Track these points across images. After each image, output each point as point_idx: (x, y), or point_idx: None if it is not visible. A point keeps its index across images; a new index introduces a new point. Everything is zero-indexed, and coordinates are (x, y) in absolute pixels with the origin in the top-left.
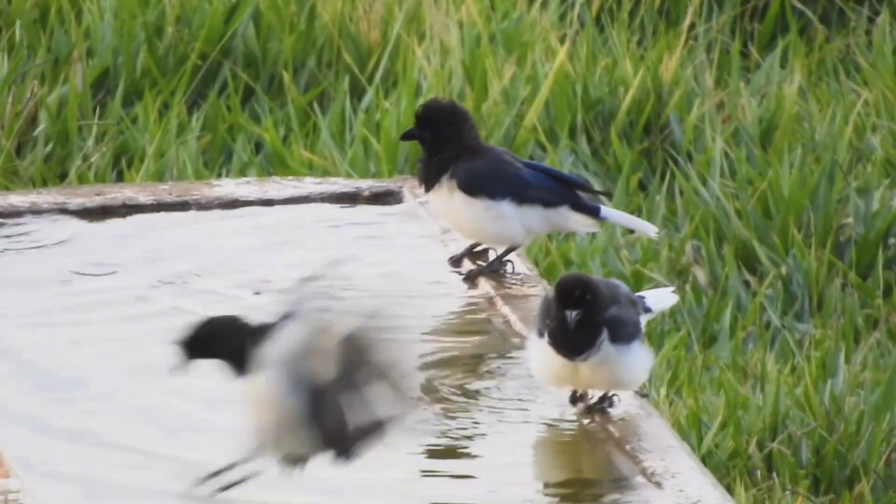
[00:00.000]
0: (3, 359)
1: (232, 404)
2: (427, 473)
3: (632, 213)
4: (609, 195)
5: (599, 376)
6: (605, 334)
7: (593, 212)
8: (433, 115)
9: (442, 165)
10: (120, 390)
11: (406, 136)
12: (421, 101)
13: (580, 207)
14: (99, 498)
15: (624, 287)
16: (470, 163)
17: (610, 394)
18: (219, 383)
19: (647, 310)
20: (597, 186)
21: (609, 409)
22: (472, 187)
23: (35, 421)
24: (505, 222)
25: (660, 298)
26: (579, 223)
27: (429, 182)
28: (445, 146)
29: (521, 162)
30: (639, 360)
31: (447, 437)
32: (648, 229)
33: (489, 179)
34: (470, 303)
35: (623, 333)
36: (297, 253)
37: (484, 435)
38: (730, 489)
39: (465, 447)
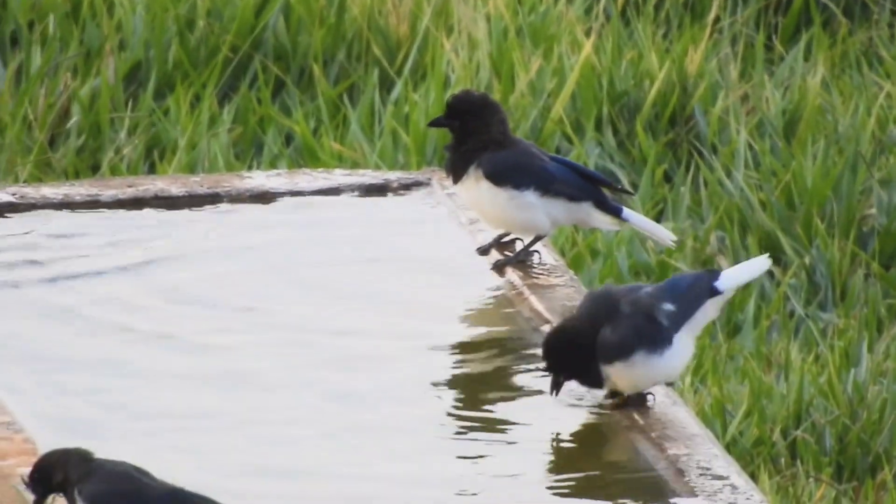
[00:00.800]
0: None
1: None
2: (455, 456)
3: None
4: (632, 193)
5: (619, 385)
6: (601, 365)
7: (615, 212)
8: (463, 105)
9: (469, 156)
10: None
11: (433, 124)
12: (449, 93)
13: (603, 206)
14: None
15: (642, 292)
16: (496, 154)
17: (636, 393)
18: None
19: (715, 292)
20: (622, 184)
21: (646, 403)
22: (498, 177)
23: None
24: (530, 212)
25: (743, 271)
26: (601, 221)
27: (457, 173)
28: (472, 137)
29: (547, 156)
30: (642, 369)
31: (472, 421)
32: (666, 238)
33: (515, 170)
34: (498, 292)
35: (612, 353)
36: (327, 244)
37: (508, 421)
38: (754, 476)
39: (491, 432)
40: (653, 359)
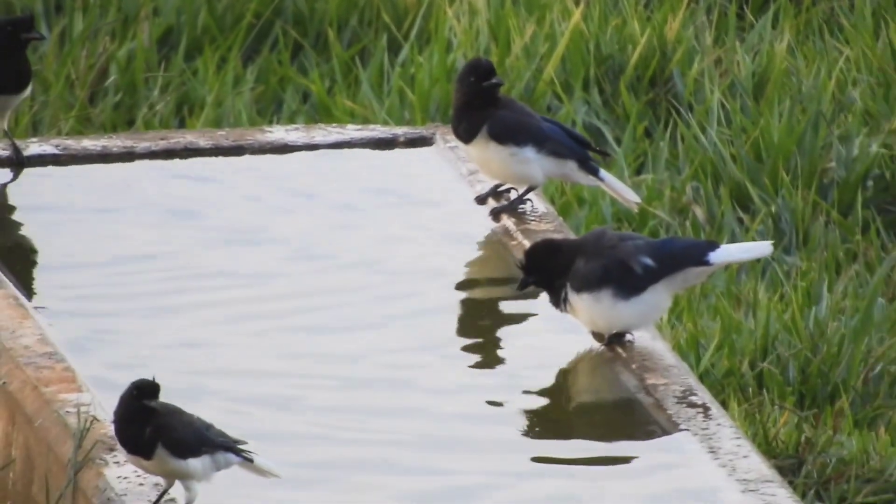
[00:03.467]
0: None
1: None
2: (450, 386)
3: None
4: (608, 155)
5: (577, 316)
6: (566, 288)
7: (594, 172)
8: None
9: (477, 120)
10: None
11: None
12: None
13: (584, 165)
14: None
15: (630, 242)
16: (499, 115)
17: (615, 333)
18: None
19: (703, 262)
20: (603, 145)
21: (625, 343)
22: (502, 136)
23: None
24: (527, 166)
25: (741, 250)
26: (582, 178)
27: (468, 135)
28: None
29: (538, 117)
30: (606, 308)
31: (467, 347)
32: (632, 199)
33: (516, 129)
34: (494, 236)
35: (579, 282)
36: (341, 192)
37: (500, 347)
38: (724, 404)
39: (483, 356)
40: (618, 301)
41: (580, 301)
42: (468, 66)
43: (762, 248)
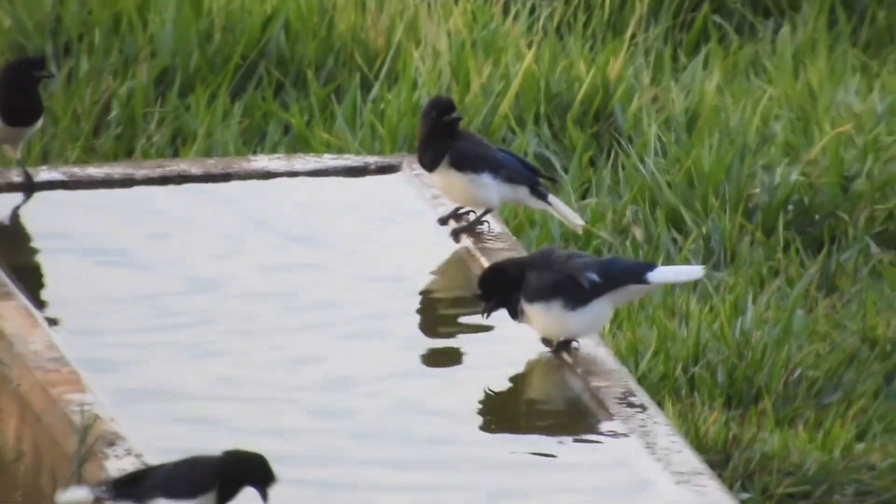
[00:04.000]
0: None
1: None
2: (417, 388)
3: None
4: (556, 182)
5: (532, 324)
6: (521, 300)
7: (543, 197)
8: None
9: (440, 150)
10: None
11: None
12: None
13: (535, 191)
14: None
15: (578, 259)
16: (460, 146)
17: (563, 340)
18: None
19: (642, 281)
20: (552, 173)
21: (571, 349)
22: (462, 164)
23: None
24: (484, 191)
25: (676, 273)
26: (533, 202)
27: (432, 163)
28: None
29: (494, 147)
30: (556, 316)
31: (429, 354)
32: (577, 223)
33: (475, 159)
34: (454, 254)
35: (532, 293)
36: (319, 214)
37: (459, 353)
38: (660, 405)
39: (444, 366)
40: (566, 311)
41: (533, 310)
42: (431, 102)
43: (695, 271)
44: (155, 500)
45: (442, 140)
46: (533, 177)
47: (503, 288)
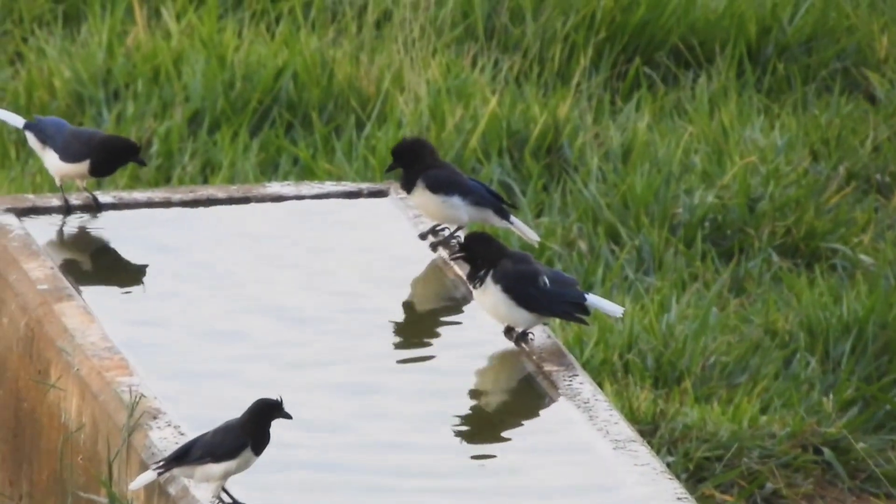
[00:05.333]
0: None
1: None
2: (389, 385)
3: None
4: (516, 207)
5: (485, 305)
6: (489, 274)
7: (506, 217)
8: (402, 149)
9: (416, 176)
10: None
11: (388, 170)
12: (401, 134)
13: (499, 212)
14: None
15: (535, 263)
16: (432, 172)
17: (521, 330)
18: None
19: (580, 298)
20: (512, 199)
21: (528, 339)
22: (435, 188)
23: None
24: (455, 210)
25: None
26: (497, 221)
27: (409, 187)
28: (413, 167)
29: (465, 176)
30: (511, 304)
31: (407, 348)
32: (534, 239)
33: (446, 183)
34: (431, 263)
35: (500, 278)
36: (320, 230)
37: (432, 348)
38: (601, 385)
39: (418, 361)
40: (517, 306)
41: (494, 289)
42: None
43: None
44: (205, 465)
45: (419, 168)
46: (497, 201)
47: (481, 251)
